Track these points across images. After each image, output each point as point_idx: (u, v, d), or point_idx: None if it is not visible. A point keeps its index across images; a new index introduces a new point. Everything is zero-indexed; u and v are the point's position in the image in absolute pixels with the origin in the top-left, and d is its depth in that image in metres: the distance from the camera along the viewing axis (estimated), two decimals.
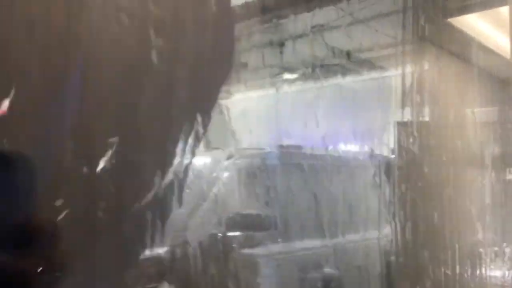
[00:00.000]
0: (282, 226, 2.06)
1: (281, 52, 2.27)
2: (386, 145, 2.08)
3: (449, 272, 1.78)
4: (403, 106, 1.78)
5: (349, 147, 2.36)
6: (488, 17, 2.02)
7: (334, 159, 2.27)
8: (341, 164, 2.28)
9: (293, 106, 2.35)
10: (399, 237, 1.69)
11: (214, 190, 1.91)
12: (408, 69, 1.78)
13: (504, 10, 1.86)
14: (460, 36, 1.98)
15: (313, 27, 2.15)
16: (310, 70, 2.28)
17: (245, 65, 2.37)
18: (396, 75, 1.96)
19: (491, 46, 2.12)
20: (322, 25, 2.14)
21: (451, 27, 1.94)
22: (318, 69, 2.26)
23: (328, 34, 2.14)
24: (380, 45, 2.14)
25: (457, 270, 1.83)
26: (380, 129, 2.09)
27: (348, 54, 2.23)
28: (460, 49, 1.99)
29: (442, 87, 1.90)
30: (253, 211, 1.93)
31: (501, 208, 2.18)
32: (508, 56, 1.95)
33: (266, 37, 2.29)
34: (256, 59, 2.47)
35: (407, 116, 1.77)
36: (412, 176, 1.76)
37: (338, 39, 2.20)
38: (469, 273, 1.90)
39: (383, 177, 2.09)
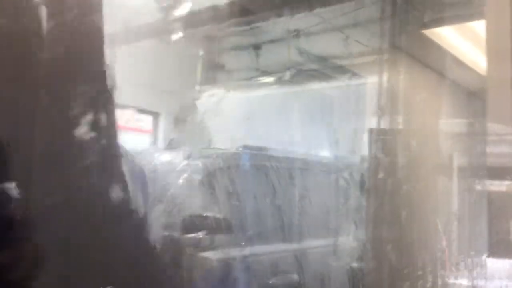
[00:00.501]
0: (242, 229, 1.96)
1: (257, 55, 2.27)
2: (358, 151, 2.10)
3: (417, 278, 1.81)
4: (376, 113, 1.80)
5: (321, 152, 2.36)
6: (463, 32, 2.07)
7: (301, 163, 2.21)
8: (308, 167, 2.23)
9: (267, 109, 2.35)
10: (367, 243, 1.70)
11: (172, 190, 1.82)
12: (383, 77, 1.80)
13: (481, 28, 1.90)
14: (434, 48, 2.01)
15: (290, 32, 2.16)
16: (286, 74, 2.29)
17: (221, 67, 2.37)
18: (370, 83, 1.98)
19: (463, 59, 2.17)
20: (299, 30, 2.15)
21: (426, 38, 1.98)
22: (294, 73, 2.26)
23: (305, 39, 2.15)
24: (356, 53, 2.16)
25: (426, 278, 1.86)
26: (353, 136, 2.11)
27: (324, 60, 2.24)
28: (434, 60, 2.02)
29: (415, 97, 1.93)
30: (210, 213, 1.83)
31: (468, 218, 2.22)
32: (481, 70, 1.98)
33: (244, 39, 2.29)
34: (232, 61, 2.47)
35: (380, 123, 1.79)
36: (383, 182, 1.77)
37: (315, 45, 2.21)
38: (437, 281, 1.93)
39: (350, 183, 2.09)
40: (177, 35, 1.73)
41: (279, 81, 2.35)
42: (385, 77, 1.80)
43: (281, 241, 2.08)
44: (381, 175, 1.75)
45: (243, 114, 2.33)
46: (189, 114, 2.08)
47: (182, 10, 1.72)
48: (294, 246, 2.08)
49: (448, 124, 2.15)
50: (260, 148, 2.15)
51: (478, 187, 2.20)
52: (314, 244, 2.14)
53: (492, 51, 1.80)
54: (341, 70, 2.20)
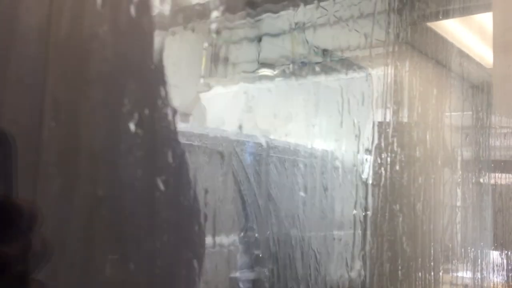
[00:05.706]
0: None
1: (261, 48, 2.26)
2: (363, 144, 2.09)
3: (429, 269, 1.81)
4: (382, 106, 1.80)
5: (322, 146, 2.35)
6: (469, 25, 2.07)
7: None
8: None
9: (269, 102, 2.34)
10: (366, 248, 1.69)
11: None
12: (388, 70, 1.80)
13: (487, 21, 1.91)
14: (439, 41, 2.01)
15: (294, 24, 2.15)
16: (289, 67, 2.28)
17: (225, 59, 2.36)
18: (375, 76, 1.97)
19: (469, 53, 2.17)
20: (303, 23, 2.15)
21: (432, 31, 1.98)
22: (298, 66, 2.26)
23: (309, 32, 2.14)
24: (360, 46, 2.15)
25: (437, 269, 1.86)
26: (357, 129, 2.11)
27: (329, 53, 2.24)
28: (439, 53, 2.02)
29: (420, 90, 1.93)
30: None
31: (472, 211, 2.23)
32: (487, 64, 1.99)
33: (247, 32, 2.28)
34: (235, 53, 2.46)
35: (386, 116, 1.79)
36: (387, 175, 1.77)
37: (319, 38, 2.20)
38: (446, 272, 1.94)
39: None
40: (180, 27, 1.72)
41: (283, 74, 2.34)
42: (390, 70, 1.80)
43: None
44: (387, 167, 1.75)
45: (244, 106, 2.31)
46: (193, 107, 2.07)
47: (185, 2, 1.72)
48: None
49: (454, 117, 2.15)
50: None
51: (484, 180, 2.21)
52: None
53: (498, 44, 1.81)
54: (346, 63, 2.19)
